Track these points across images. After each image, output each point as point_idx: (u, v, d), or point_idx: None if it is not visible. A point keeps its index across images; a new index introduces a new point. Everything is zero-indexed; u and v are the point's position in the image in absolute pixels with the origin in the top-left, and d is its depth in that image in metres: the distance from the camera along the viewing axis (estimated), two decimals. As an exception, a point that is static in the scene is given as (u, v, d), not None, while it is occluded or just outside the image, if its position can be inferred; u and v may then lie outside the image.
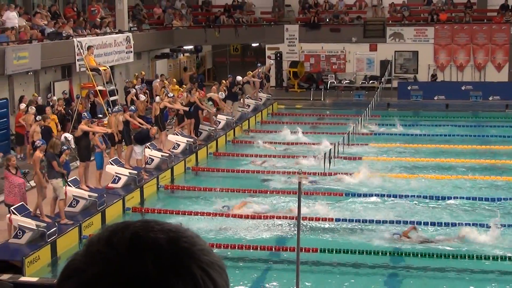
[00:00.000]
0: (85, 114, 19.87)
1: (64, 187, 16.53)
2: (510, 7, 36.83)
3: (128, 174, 19.55)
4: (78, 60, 25.94)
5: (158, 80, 30.86)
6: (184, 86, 30.46)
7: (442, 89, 34.70)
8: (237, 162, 23.52)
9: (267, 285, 14.18)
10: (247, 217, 17.56)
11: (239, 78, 29.82)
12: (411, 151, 24.73)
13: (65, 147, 17.27)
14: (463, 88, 34.32)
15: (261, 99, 32.69)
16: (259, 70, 33.67)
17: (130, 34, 30.94)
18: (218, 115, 27.80)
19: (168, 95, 25.29)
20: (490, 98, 33.63)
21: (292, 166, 22.14)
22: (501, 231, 15.91)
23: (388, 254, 15.19)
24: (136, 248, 1.25)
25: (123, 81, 30.79)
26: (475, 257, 14.74)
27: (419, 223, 16.86)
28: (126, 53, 30.17)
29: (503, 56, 36.14)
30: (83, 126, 18.77)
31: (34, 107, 21.92)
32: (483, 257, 14.80)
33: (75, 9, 31.60)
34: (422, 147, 25.25)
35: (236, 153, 24.89)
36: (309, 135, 27.20)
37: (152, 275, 1.22)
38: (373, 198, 19.17)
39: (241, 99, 30.55)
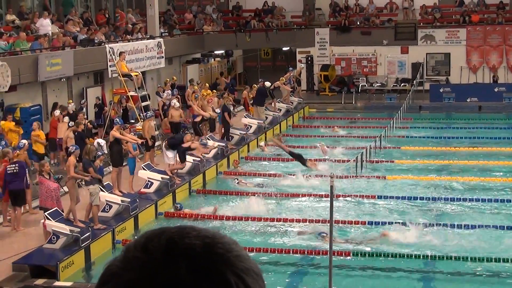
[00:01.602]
0: (117, 120, 20.02)
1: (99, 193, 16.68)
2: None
3: (160, 179, 19.63)
4: (110, 66, 26.12)
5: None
6: (214, 90, 30.55)
7: (475, 91, 34.51)
8: (267, 166, 23.65)
9: None
10: (279, 220, 17.60)
11: (268, 84, 29.89)
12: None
13: (99, 153, 17.46)
14: (496, 90, 34.09)
15: (292, 103, 32.71)
16: (291, 74, 33.70)
17: (161, 40, 31.13)
18: (248, 119, 27.87)
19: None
20: (524, 100, 33.43)
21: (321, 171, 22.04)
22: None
23: (421, 257, 15.04)
24: (171, 254, 1.26)
25: (155, 87, 30.98)
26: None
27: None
28: (158, 58, 30.35)
29: (535, 57, 35.88)
30: (115, 133, 18.92)
31: (67, 117, 22.08)
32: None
33: (107, 15, 31.88)
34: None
35: (267, 157, 24.91)
36: (342, 139, 27.24)
37: (186, 281, 1.23)
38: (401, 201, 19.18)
39: (272, 103, 30.59)
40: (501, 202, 18.92)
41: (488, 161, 23.31)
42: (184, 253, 1.26)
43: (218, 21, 39.56)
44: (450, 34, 36.61)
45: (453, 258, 14.84)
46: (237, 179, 21.57)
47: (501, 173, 22.10)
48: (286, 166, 23.56)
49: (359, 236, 16.52)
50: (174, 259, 1.25)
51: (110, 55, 26.12)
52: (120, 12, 32.56)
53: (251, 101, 30.14)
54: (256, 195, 19.63)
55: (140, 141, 20.17)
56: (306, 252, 15.59)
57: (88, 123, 22.76)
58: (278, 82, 30.92)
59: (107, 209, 17.28)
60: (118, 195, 17.86)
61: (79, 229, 15.42)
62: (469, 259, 14.80)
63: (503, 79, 35.92)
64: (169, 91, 28.02)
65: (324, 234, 15.93)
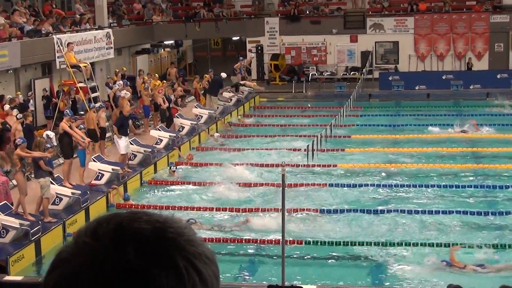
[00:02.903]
0: (67, 111, 19.81)
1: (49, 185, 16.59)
2: (488, -4, 37.25)
3: (111, 171, 19.57)
4: (58, 57, 25.83)
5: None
6: (164, 81, 30.47)
7: (423, 79, 35.07)
8: (219, 156, 23.69)
9: (253, 278, 14.29)
10: (231, 210, 17.76)
11: (224, 74, 30.08)
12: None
13: (48, 145, 17.27)
14: (444, 77, 34.70)
15: (243, 92, 32.82)
16: (241, 63, 33.79)
17: (110, 30, 30.87)
18: (199, 110, 27.96)
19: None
20: (471, 87, 33.98)
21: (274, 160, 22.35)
22: None
23: (373, 245, 15.28)
24: (119, 239, 1.25)
25: (104, 77, 30.75)
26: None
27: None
28: (107, 49, 30.09)
29: (482, 44, 36.52)
30: (64, 125, 18.73)
31: (16, 109, 21.75)
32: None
33: (54, 6, 31.46)
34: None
35: (218, 148, 25.01)
36: (291, 128, 27.54)
37: (134, 265, 1.22)
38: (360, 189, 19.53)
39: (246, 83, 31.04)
40: (444, 187, 19.39)
41: (436, 148, 23.69)
42: (133, 237, 1.25)
43: (167, 11, 39.42)
44: (398, 22, 37.08)
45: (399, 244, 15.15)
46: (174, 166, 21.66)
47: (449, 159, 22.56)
48: (236, 155, 23.62)
49: (226, 221, 16.96)
50: (123, 244, 1.24)
51: (58, 46, 25.85)
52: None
53: (202, 91, 30.21)
54: (207, 184, 19.82)
55: (87, 140, 19.84)
56: (258, 241, 15.68)
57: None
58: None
59: (57, 202, 17.23)
60: (68, 188, 17.76)
61: (29, 223, 15.33)
62: (419, 244, 15.15)
63: (450, 67, 36.56)
64: (120, 82, 27.85)
65: (193, 221, 16.25)
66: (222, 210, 17.87)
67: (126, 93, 25.08)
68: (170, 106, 26.70)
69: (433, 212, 17.13)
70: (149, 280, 1.22)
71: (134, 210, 1.36)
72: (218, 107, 29.56)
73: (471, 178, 20.46)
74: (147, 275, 1.22)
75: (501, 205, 18.04)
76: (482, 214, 16.98)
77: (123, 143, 20.87)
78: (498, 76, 34.14)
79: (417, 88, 34.43)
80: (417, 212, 17.22)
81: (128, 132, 22.01)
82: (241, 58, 35.07)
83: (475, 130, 25.54)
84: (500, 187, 19.25)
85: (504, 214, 17.02)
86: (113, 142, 22.00)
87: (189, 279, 1.25)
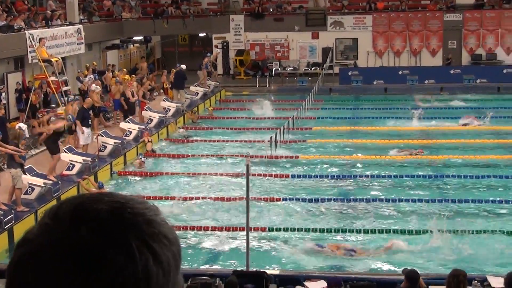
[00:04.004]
0: (53, 118, 20.53)
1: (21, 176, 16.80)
2: (442, -4, 38.61)
3: (82, 161, 19.89)
4: (30, 52, 26.22)
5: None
6: (133, 75, 31.36)
7: (380, 74, 35.92)
8: (185, 148, 24.25)
9: (218, 265, 14.41)
10: (197, 199, 18.23)
11: (183, 66, 31.09)
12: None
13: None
14: (400, 72, 35.73)
15: (209, 86, 33.70)
16: (208, 59, 34.76)
17: (80, 26, 31.53)
18: (167, 103, 28.84)
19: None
20: (426, 82, 34.96)
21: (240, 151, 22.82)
22: None
23: (339, 231, 15.90)
24: (76, 219, 1.26)
25: (75, 72, 31.54)
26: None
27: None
28: (77, 44, 30.71)
29: (437, 42, 37.74)
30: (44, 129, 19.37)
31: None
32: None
33: (26, 2, 32.18)
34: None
35: (187, 139, 25.65)
36: (255, 120, 28.30)
37: (88, 245, 1.23)
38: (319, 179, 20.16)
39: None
40: (397, 177, 20.11)
41: (392, 140, 24.35)
42: (90, 217, 1.26)
43: (136, 8, 40.16)
44: (358, 20, 38.01)
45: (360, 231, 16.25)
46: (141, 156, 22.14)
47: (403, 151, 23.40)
48: (205, 146, 24.38)
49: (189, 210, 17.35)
50: (79, 224, 1.25)
51: (30, 41, 26.33)
52: None
53: (169, 85, 31.10)
54: (175, 175, 20.45)
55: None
56: (224, 229, 16.03)
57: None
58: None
59: (29, 192, 17.33)
60: (52, 180, 18.04)
61: (1, 212, 15.44)
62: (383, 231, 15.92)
63: (406, 62, 37.63)
64: (91, 76, 28.66)
65: None
66: (189, 199, 18.19)
67: (96, 87, 25.99)
68: (140, 100, 27.58)
69: (390, 201, 17.73)
70: (101, 259, 1.23)
71: (100, 192, 1.39)
72: (185, 101, 30.52)
73: (420, 169, 21.11)
74: (100, 254, 1.23)
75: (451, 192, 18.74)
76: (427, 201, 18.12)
77: (84, 135, 21.50)
78: (451, 72, 35.16)
79: (375, 82, 35.17)
80: (374, 200, 17.86)
81: (90, 123, 22.50)
82: (208, 54, 35.95)
83: (477, 123, 26.21)
84: (447, 176, 20.09)
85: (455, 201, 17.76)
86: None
87: (140, 258, 1.24)
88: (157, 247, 1.27)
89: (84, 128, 21.71)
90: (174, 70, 31.09)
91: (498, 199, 17.80)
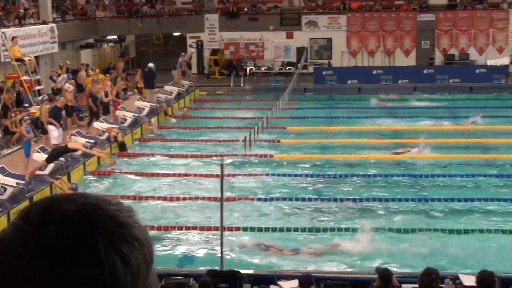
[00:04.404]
0: (26, 118, 20.38)
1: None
2: (416, -4, 38.96)
3: (55, 161, 19.60)
4: (2, 50, 26.07)
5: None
6: (107, 75, 31.28)
7: (354, 73, 36.13)
8: (159, 148, 24.21)
9: (192, 265, 14.37)
10: (171, 199, 18.25)
11: (151, 65, 31.08)
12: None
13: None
14: (374, 72, 35.95)
15: (183, 86, 33.71)
16: (183, 58, 34.75)
17: (54, 25, 31.36)
18: (142, 102, 28.75)
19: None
20: (399, 81, 35.22)
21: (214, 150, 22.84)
22: None
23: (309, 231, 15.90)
24: (45, 220, 1.25)
25: (48, 71, 31.37)
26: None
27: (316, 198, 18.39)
28: (51, 43, 30.56)
29: (410, 42, 38.16)
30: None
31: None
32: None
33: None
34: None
35: (160, 139, 25.70)
36: (230, 120, 28.28)
37: (54, 247, 1.22)
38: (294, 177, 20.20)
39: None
40: (366, 177, 20.29)
41: (366, 139, 24.57)
42: (58, 219, 1.25)
43: (110, 7, 40.07)
44: (332, 20, 38.24)
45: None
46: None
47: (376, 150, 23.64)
48: (179, 146, 24.35)
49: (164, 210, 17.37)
50: (46, 225, 1.24)
51: (3, 40, 26.16)
52: None
53: (143, 85, 31.05)
54: (149, 175, 20.38)
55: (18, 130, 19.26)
56: (198, 229, 15.99)
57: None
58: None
59: (2, 192, 17.24)
60: (13, 179, 17.88)
61: None
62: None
63: (380, 62, 37.92)
64: (65, 75, 28.52)
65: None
66: (162, 199, 18.18)
67: (69, 87, 25.88)
68: (113, 100, 27.50)
69: (364, 200, 17.86)
70: (66, 260, 1.21)
71: (74, 193, 1.39)
72: (158, 100, 30.35)
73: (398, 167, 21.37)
74: (65, 256, 1.22)
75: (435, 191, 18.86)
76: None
77: (55, 134, 21.39)
78: (424, 72, 35.47)
79: (349, 82, 35.34)
80: (348, 200, 17.84)
81: (62, 123, 22.38)
82: (182, 53, 35.92)
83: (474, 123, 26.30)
84: (426, 175, 20.16)
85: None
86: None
87: (107, 261, 1.23)
88: (126, 250, 1.25)
89: (53, 127, 21.57)
90: (139, 70, 30.95)
91: (470, 197, 17.94)
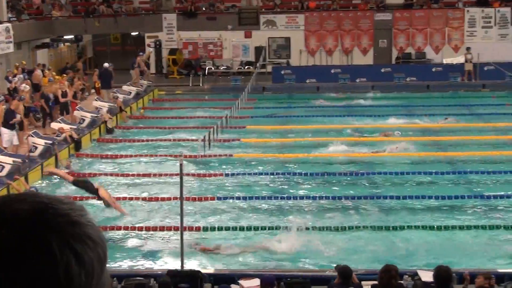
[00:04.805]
0: None
1: None
2: (373, -5, 39.36)
3: (11, 163, 19.52)
4: None
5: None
6: (64, 75, 30.99)
7: (313, 72, 36.41)
8: (117, 149, 24.05)
9: (152, 265, 14.27)
10: (130, 199, 18.11)
11: (106, 64, 30.90)
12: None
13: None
14: (332, 71, 36.22)
15: (142, 85, 33.60)
16: (141, 58, 34.60)
17: (9, 25, 31.07)
18: (99, 102, 28.54)
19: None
20: (357, 80, 35.61)
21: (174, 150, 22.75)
22: None
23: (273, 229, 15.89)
24: None
25: (3, 71, 30.99)
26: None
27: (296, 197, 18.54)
28: (6, 43, 30.30)
29: (368, 41, 38.56)
30: None
31: None
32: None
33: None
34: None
35: (119, 139, 25.58)
36: (188, 120, 28.22)
37: (7, 246, 1.21)
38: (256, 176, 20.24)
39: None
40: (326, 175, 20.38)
41: (324, 138, 24.56)
42: (10, 218, 1.24)
43: (66, 6, 39.74)
44: (290, 19, 38.49)
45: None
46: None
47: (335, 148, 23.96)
48: (137, 146, 24.25)
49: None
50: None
51: (-43, 40, 26.08)
52: None
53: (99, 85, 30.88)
54: (109, 175, 20.30)
55: None
56: (158, 229, 15.85)
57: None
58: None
59: None
60: None
61: None
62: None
63: (338, 61, 38.21)
64: (21, 75, 28.22)
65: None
66: (122, 199, 17.89)
67: (25, 87, 25.62)
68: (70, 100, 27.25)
69: (314, 198, 17.96)
70: (20, 260, 1.20)
71: (28, 192, 1.38)
72: (113, 96, 29.94)
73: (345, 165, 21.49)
74: (19, 255, 1.21)
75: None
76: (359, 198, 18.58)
77: (6, 137, 21.21)
78: (382, 70, 35.90)
79: (307, 81, 35.61)
80: (301, 198, 18.06)
81: (15, 126, 22.05)
82: (141, 53, 35.83)
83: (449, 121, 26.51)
84: (379, 173, 20.44)
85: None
86: None
87: (62, 259, 1.22)
88: (80, 249, 1.25)
89: (5, 129, 21.33)
90: (96, 70, 30.77)
91: (427, 195, 18.15)
